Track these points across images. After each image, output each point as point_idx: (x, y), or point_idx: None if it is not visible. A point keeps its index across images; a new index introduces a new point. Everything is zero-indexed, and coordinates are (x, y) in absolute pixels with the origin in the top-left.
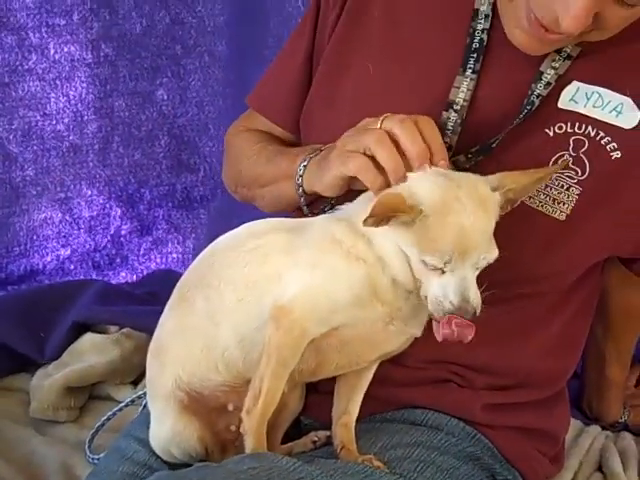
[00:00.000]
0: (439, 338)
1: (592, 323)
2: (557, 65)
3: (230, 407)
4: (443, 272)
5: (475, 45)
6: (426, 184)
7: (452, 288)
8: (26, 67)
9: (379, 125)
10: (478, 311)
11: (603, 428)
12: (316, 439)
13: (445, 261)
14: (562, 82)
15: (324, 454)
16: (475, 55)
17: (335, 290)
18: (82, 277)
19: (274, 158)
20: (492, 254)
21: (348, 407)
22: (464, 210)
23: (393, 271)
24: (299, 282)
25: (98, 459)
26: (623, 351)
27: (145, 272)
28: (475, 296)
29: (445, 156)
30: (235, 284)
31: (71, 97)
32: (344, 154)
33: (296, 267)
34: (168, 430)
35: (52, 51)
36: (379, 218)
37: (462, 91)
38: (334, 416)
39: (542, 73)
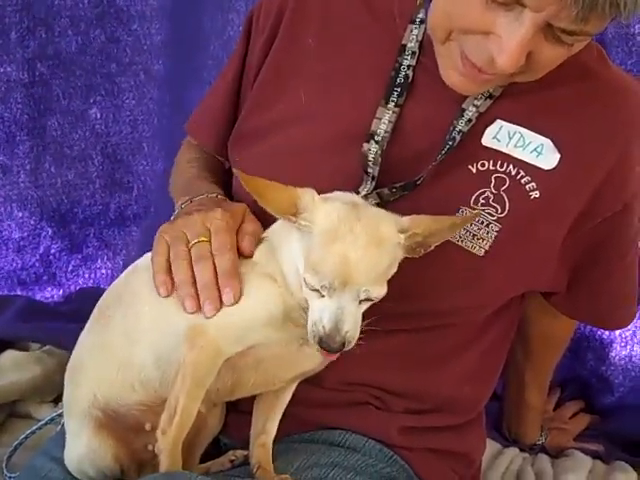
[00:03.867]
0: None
1: (512, 348)
2: (479, 103)
3: (147, 427)
4: (323, 296)
5: (400, 80)
6: (330, 208)
7: (327, 314)
8: None
9: (190, 245)
10: (348, 344)
11: (521, 450)
12: (234, 458)
13: (323, 285)
14: (485, 120)
15: (241, 473)
16: (399, 89)
17: (249, 310)
18: (6, 292)
19: (179, 188)
20: (376, 291)
21: (266, 427)
22: (354, 243)
23: (292, 289)
24: None
25: (15, 478)
26: (542, 376)
27: (72, 289)
28: (349, 329)
29: (232, 284)
30: (152, 304)
31: (5, 119)
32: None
33: None
34: (82, 448)
35: None
36: (253, 190)
37: (384, 122)
38: (252, 436)
39: (464, 110)
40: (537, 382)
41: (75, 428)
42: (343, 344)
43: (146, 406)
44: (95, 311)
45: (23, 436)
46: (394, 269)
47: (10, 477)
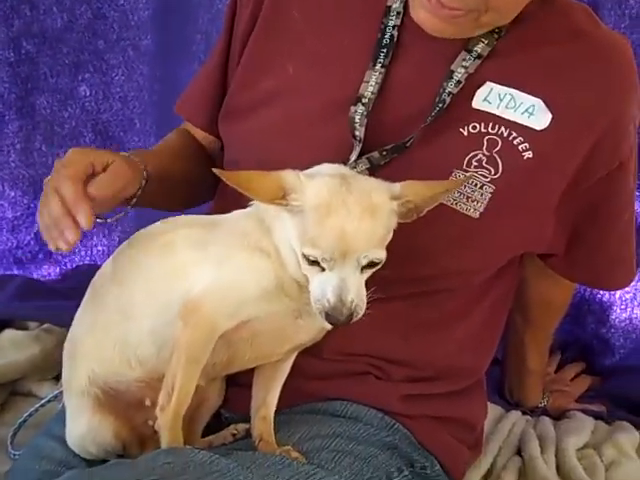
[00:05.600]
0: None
1: (511, 312)
2: (467, 64)
3: (147, 402)
4: (323, 269)
5: (385, 41)
6: (318, 184)
7: (330, 287)
8: None
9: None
10: (356, 315)
11: (523, 413)
12: (235, 432)
13: (323, 258)
14: (475, 82)
15: (243, 446)
16: (385, 50)
17: (243, 284)
18: (3, 272)
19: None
20: (377, 254)
21: (266, 399)
22: (348, 214)
23: (287, 266)
24: (207, 277)
25: (20, 455)
26: (542, 340)
27: (69, 266)
28: (355, 298)
29: (78, 209)
30: (145, 279)
31: None
32: None
33: (204, 262)
34: (83, 426)
35: None
36: (236, 185)
37: (371, 84)
38: (252, 409)
39: (453, 72)
40: (537, 346)
41: (75, 407)
42: (351, 315)
43: (144, 382)
44: (89, 289)
45: (26, 414)
46: (390, 235)
47: (15, 455)
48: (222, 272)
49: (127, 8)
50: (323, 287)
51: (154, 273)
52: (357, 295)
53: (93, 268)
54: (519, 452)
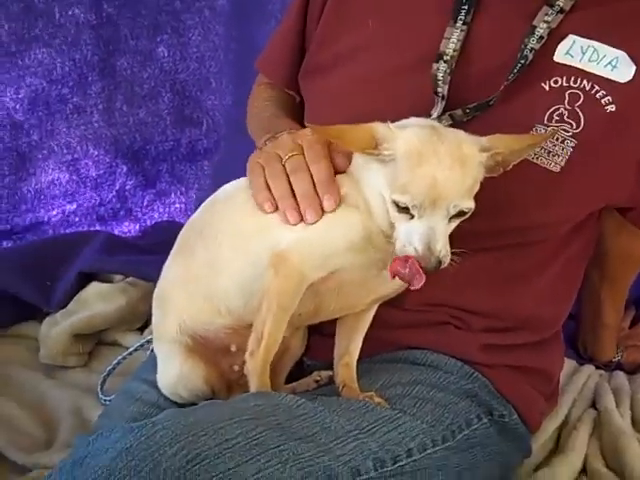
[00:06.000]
0: (389, 273)
1: (588, 267)
2: (550, 19)
3: (233, 348)
4: (412, 217)
5: None
6: (409, 133)
7: (418, 235)
8: (32, 34)
9: (284, 162)
10: (443, 263)
11: (597, 367)
12: (319, 378)
13: (413, 204)
14: (556, 36)
15: (327, 392)
16: (466, 7)
17: (330, 236)
18: (86, 228)
19: (259, 127)
20: (466, 204)
21: (349, 348)
22: (439, 163)
23: (375, 216)
24: (295, 229)
25: (110, 400)
26: (618, 294)
27: (148, 223)
28: (442, 248)
29: (331, 190)
30: (233, 233)
31: (76, 61)
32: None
33: None
34: (175, 372)
35: (57, 16)
36: (330, 137)
37: (452, 42)
38: (336, 356)
39: (535, 27)
40: (613, 300)
41: (166, 354)
42: (439, 263)
43: (232, 329)
44: (176, 244)
45: (115, 361)
46: (477, 187)
47: (105, 400)
48: (310, 225)
49: None
50: (410, 234)
51: (242, 227)
52: (444, 244)
53: (171, 225)
54: (593, 405)
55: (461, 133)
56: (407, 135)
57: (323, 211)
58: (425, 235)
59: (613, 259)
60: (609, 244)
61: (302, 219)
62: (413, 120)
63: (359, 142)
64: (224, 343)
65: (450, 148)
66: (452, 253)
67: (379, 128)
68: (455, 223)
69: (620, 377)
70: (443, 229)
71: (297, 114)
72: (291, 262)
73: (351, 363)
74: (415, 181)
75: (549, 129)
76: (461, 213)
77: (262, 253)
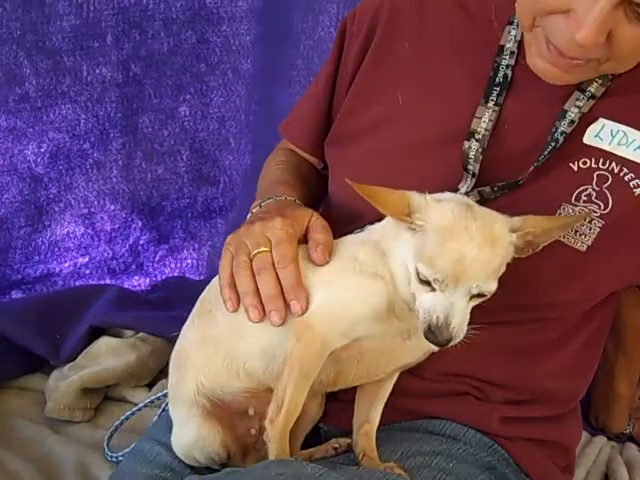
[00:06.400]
0: None
1: None
2: (581, 104)
3: (251, 412)
4: (433, 290)
5: (499, 79)
6: (444, 207)
7: (439, 307)
8: (59, 90)
9: (251, 256)
10: (454, 341)
11: (608, 439)
12: (337, 446)
13: (436, 278)
14: (587, 119)
15: (345, 460)
16: (498, 89)
17: (354, 304)
18: (97, 281)
19: (260, 191)
20: (488, 287)
21: (369, 416)
22: (470, 241)
23: (399, 287)
24: (319, 296)
25: (117, 457)
26: (633, 367)
27: (159, 278)
28: (457, 325)
29: (298, 296)
30: None
31: (100, 117)
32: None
33: (315, 282)
34: (192, 435)
35: (85, 73)
36: (367, 196)
37: (484, 121)
38: (355, 424)
39: (566, 112)
40: (628, 373)
41: (183, 416)
42: (450, 339)
43: (250, 392)
44: (197, 305)
45: (123, 417)
46: (504, 268)
47: (112, 456)
48: (334, 292)
49: (229, 33)
50: (433, 304)
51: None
52: (460, 322)
53: (182, 281)
54: (606, 477)
55: (494, 213)
56: (442, 208)
57: (287, 315)
58: (444, 309)
59: (630, 334)
60: (626, 319)
61: (263, 318)
62: (450, 195)
63: (393, 206)
64: (242, 406)
65: (482, 226)
66: (470, 327)
67: (415, 197)
68: (475, 302)
69: (632, 449)
70: (462, 306)
71: (315, 182)
72: (314, 329)
73: (371, 432)
74: (442, 255)
75: (577, 209)
76: (481, 294)
77: (287, 318)
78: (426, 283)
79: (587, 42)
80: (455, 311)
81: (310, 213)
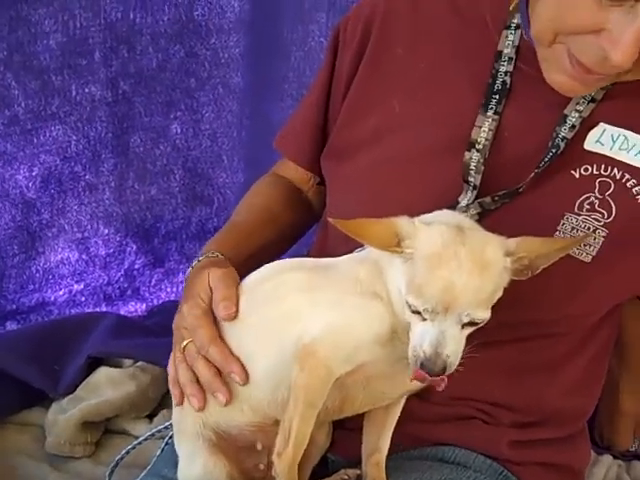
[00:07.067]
0: (411, 377)
1: None
2: (581, 108)
3: (259, 446)
4: (424, 319)
5: (497, 87)
6: (433, 232)
7: (429, 338)
8: (49, 112)
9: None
10: (449, 370)
11: (615, 457)
12: (346, 477)
13: (425, 308)
14: (587, 124)
15: None
16: (497, 97)
17: (357, 329)
18: (92, 308)
19: (220, 233)
20: (479, 315)
21: (378, 444)
22: (458, 268)
23: (398, 311)
24: (321, 321)
25: None
26: (637, 383)
27: (155, 302)
28: (450, 353)
29: (232, 368)
30: (255, 325)
31: (91, 138)
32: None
33: (317, 306)
34: (199, 469)
35: (74, 93)
36: (350, 232)
37: (484, 131)
38: (364, 454)
39: (566, 116)
40: (632, 388)
41: (188, 450)
42: (444, 368)
43: (256, 427)
44: None
45: (124, 452)
46: (499, 293)
47: None
48: (336, 317)
49: (218, 46)
50: (422, 337)
51: (264, 318)
52: (453, 351)
53: (178, 305)
54: None
55: (488, 236)
56: (430, 233)
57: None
58: (435, 339)
59: (632, 348)
60: (629, 332)
61: (204, 404)
62: (442, 216)
63: (380, 239)
64: (249, 440)
65: (472, 252)
66: (463, 356)
67: (403, 223)
68: (469, 330)
69: (639, 467)
70: (455, 334)
71: (301, 208)
72: (317, 356)
73: (381, 462)
74: (431, 284)
75: (580, 218)
76: (473, 323)
77: (286, 344)
78: (417, 313)
79: (625, 63)
80: (447, 339)
81: (205, 275)
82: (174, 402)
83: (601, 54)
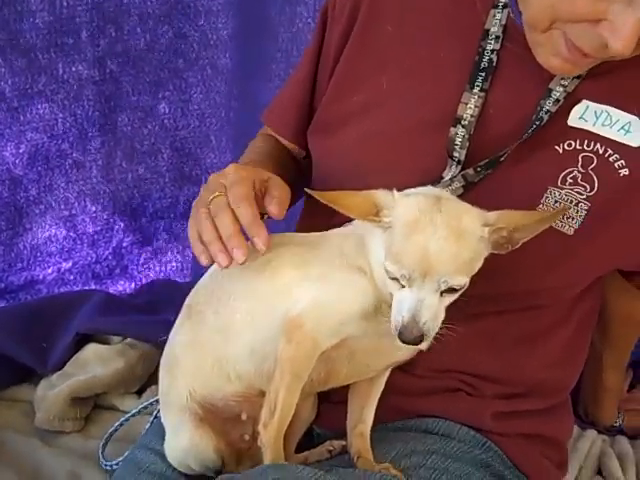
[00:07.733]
0: None
1: None
2: (566, 83)
3: (244, 416)
4: (403, 286)
5: (484, 64)
6: (410, 201)
7: (407, 305)
8: (35, 89)
9: (210, 199)
10: (428, 337)
11: (599, 432)
12: (332, 448)
13: (402, 274)
14: (571, 100)
15: (340, 463)
16: (484, 74)
17: (343, 303)
18: (81, 287)
19: None
20: (456, 281)
21: (363, 416)
22: (434, 234)
23: (378, 283)
24: (308, 295)
25: (111, 466)
26: (620, 357)
27: (144, 281)
28: (428, 319)
29: (258, 232)
30: (245, 297)
31: (78, 116)
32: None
33: (305, 281)
34: (185, 442)
35: (60, 71)
36: (328, 202)
37: (470, 107)
38: (349, 425)
39: (551, 90)
40: (615, 363)
41: (175, 423)
42: (422, 336)
43: (242, 396)
44: (184, 308)
45: (117, 424)
46: (479, 263)
47: (107, 465)
48: (323, 291)
49: (207, 28)
50: (400, 304)
51: (254, 291)
52: (432, 318)
53: (167, 283)
54: (599, 472)
55: (466, 206)
56: (408, 203)
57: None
58: (412, 306)
59: (615, 322)
60: (611, 307)
61: (231, 260)
62: (423, 188)
63: (358, 208)
64: (234, 411)
65: (448, 219)
66: (444, 323)
67: (381, 194)
68: (450, 298)
69: (623, 442)
70: (433, 302)
71: (292, 167)
72: (304, 329)
73: (365, 433)
74: (407, 250)
75: (563, 192)
76: (452, 289)
77: (275, 317)
78: (396, 280)
79: (626, 51)
80: (424, 307)
81: (269, 173)
82: (201, 260)
83: (600, 41)
